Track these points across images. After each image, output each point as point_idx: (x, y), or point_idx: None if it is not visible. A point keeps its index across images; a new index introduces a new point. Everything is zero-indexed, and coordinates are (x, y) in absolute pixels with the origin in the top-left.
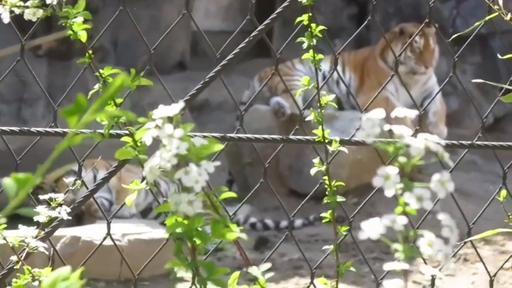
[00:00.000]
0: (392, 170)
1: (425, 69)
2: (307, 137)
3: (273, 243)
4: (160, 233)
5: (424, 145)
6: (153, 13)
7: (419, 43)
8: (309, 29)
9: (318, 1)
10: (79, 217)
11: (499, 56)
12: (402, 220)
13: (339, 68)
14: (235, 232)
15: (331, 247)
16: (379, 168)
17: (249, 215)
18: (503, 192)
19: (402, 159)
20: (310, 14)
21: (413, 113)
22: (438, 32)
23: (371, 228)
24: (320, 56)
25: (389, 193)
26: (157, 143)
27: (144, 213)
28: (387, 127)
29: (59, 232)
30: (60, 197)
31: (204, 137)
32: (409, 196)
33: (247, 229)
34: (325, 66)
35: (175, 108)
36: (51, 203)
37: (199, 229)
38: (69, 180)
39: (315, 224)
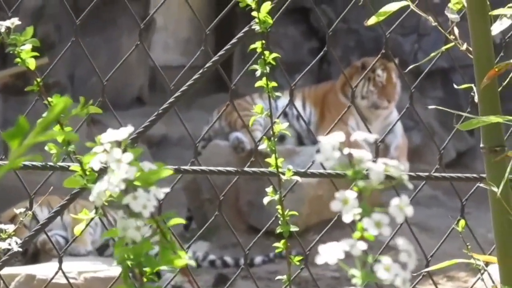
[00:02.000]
0: (350, 194)
1: (388, 103)
2: (262, 169)
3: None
4: (117, 271)
5: (384, 169)
6: (112, 48)
7: (381, 77)
8: (263, 57)
9: (279, 35)
10: (35, 255)
11: (456, 86)
12: (361, 246)
13: (299, 103)
14: (183, 259)
15: (284, 276)
16: (337, 192)
17: (208, 252)
18: (462, 222)
19: (361, 183)
20: (263, 41)
21: (372, 137)
22: (396, 65)
23: (329, 253)
24: (274, 83)
25: (347, 218)
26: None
27: (101, 251)
28: (346, 151)
29: (14, 270)
30: (11, 228)
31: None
32: (368, 222)
33: (206, 266)
34: (286, 101)
35: (124, 132)
36: (1, 234)
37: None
38: (19, 210)
39: (276, 261)
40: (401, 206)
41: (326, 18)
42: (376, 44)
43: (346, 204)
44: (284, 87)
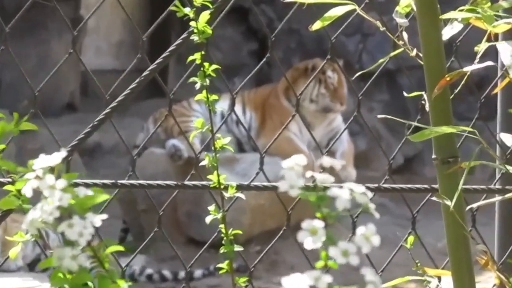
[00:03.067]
0: (318, 224)
1: (340, 106)
2: (203, 183)
3: None
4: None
5: (350, 196)
6: (41, 51)
7: (332, 78)
8: (202, 68)
9: (216, 37)
10: None
11: (405, 94)
12: (326, 279)
13: (239, 107)
14: None
15: None
16: (304, 222)
17: (145, 266)
18: (410, 239)
19: (325, 210)
20: (203, 52)
21: (338, 164)
22: (341, 68)
23: (293, 286)
24: (214, 97)
25: (309, 246)
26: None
27: (32, 266)
28: (309, 174)
29: None
30: None
31: (94, 184)
32: (335, 250)
33: (143, 281)
34: (224, 104)
35: (57, 157)
36: None
37: (90, 283)
38: None
39: (216, 274)
40: (367, 236)
41: (266, 18)
42: (319, 45)
43: (314, 234)
44: (222, 90)
